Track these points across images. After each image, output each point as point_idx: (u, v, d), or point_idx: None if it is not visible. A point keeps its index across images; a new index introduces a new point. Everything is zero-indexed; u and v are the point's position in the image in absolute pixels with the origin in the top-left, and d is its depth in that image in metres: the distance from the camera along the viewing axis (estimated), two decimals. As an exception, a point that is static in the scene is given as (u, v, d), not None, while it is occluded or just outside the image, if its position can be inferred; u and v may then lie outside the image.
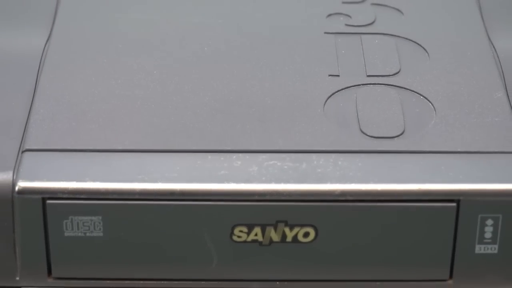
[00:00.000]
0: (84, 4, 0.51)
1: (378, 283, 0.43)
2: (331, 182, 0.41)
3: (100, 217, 0.41)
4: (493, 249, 0.42)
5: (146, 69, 0.46)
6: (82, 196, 0.41)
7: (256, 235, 0.41)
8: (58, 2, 0.51)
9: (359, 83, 0.46)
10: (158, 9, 0.50)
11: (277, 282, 0.43)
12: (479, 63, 0.47)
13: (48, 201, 0.41)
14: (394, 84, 0.46)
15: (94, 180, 0.41)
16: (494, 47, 0.48)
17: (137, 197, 0.41)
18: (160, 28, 0.49)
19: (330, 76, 0.46)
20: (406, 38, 0.49)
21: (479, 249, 0.42)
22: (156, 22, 0.49)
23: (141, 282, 0.42)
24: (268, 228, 0.41)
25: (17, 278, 0.42)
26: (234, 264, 0.42)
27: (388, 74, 0.46)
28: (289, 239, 0.41)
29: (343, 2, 0.51)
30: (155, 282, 0.42)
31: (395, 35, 0.49)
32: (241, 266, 0.42)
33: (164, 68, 0.46)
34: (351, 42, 0.48)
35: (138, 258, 0.42)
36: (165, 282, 0.42)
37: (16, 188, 0.41)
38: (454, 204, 0.41)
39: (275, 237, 0.41)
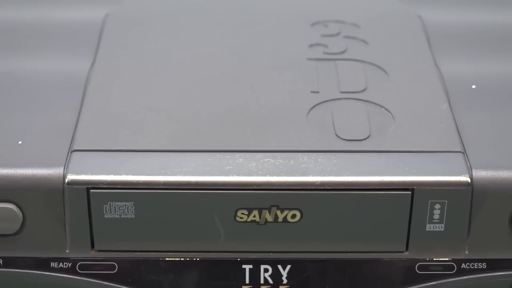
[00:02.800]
0: (121, 36, 0.50)
1: (350, 253, 0.42)
2: (313, 175, 0.40)
3: (132, 203, 0.40)
4: (440, 227, 0.41)
5: (168, 87, 0.46)
6: (118, 187, 0.40)
7: (254, 216, 0.41)
8: (100, 35, 0.50)
9: (335, 98, 0.45)
10: (178, 40, 0.50)
11: (271, 253, 0.42)
12: (427, 82, 0.46)
13: (91, 190, 0.40)
14: (362, 98, 0.45)
15: (127, 174, 0.40)
16: (439, 69, 0.48)
17: (161, 187, 0.40)
18: (180, 55, 0.48)
19: (311, 92, 0.45)
20: (371, 63, 0.48)
21: (429, 227, 0.41)
22: (177, 50, 0.49)
23: (164, 253, 0.42)
24: (264, 211, 0.40)
25: (67, 251, 0.41)
26: (237, 239, 0.41)
27: (357, 91, 0.45)
28: (280, 219, 0.41)
29: (322, 35, 0.50)
30: (174, 253, 0.42)
31: (362, 61, 0.48)
32: (243, 240, 0.41)
33: (182, 86, 0.46)
34: (328, 66, 0.47)
35: (161, 235, 0.41)
36: (182, 253, 0.42)
37: (66, 180, 0.40)
38: (409, 192, 0.40)
39: (269, 218, 0.41)
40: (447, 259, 0.42)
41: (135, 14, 0.52)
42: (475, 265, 0.42)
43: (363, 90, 0.45)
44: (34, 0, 0.54)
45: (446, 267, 0.42)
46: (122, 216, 0.41)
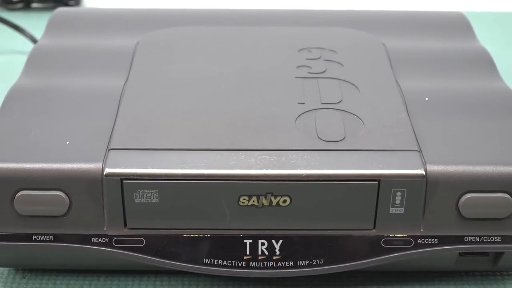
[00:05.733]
0: (149, 59, 0.49)
1: (329, 231, 0.41)
2: (300, 168, 0.39)
3: (157, 191, 0.39)
4: (401, 210, 0.40)
5: (186, 99, 0.44)
6: (145, 178, 0.39)
7: (253, 201, 0.40)
8: (132, 58, 0.49)
9: (317, 108, 0.44)
10: (194, 62, 0.48)
11: (266, 231, 0.41)
12: (390, 95, 0.45)
13: (124, 181, 0.39)
14: (338, 108, 0.44)
15: (153, 167, 0.39)
16: (399, 85, 0.47)
17: (180, 178, 0.39)
18: (195, 74, 0.47)
19: (298, 103, 0.44)
20: (345, 80, 0.47)
21: (392, 210, 0.40)
22: (193, 70, 0.47)
23: (182, 230, 0.41)
24: (261, 197, 0.40)
25: (105, 229, 0.40)
26: (240, 219, 0.40)
27: (334, 102, 0.44)
28: (274, 204, 0.40)
29: (306, 59, 0.49)
30: (190, 230, 0.41)
31: (338, 79, 0.47)
32: (244, 220, 0.40)
33: (197, 98, 0.45)
34: (311, 83, 0.46)
35: (180, 216, 0.40)
36: (196, 230, 0.41)
37: (104, 173, 0.39)
38: (376, 183, 0.39)
39: (265, 202, 0.40)
40: (406, 235, 0.40)
41: (160, 42, 0.51)
42: (429, 240, 0.40)
43: (339, 102, 0.44)
44: (80, 33, 0.53)
45: (406, 242, 0.40)
46: (149, 201, 0.40)
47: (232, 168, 0.39)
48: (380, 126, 0.42)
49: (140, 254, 0.40)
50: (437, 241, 0.40)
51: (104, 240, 0.40)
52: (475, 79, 0.48)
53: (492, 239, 0.41)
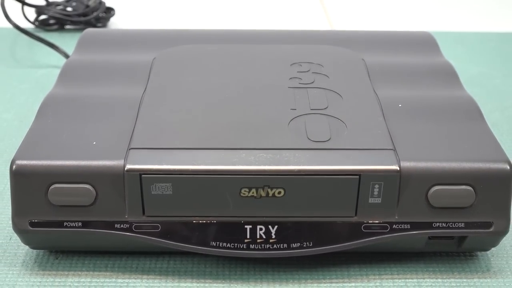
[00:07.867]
0: (164, 72, 0.48)
1: (317, 218, 0.40)
2: (293, 165, 0.39)
3: (170, 184, 0.39)
4: (378, 200, 0.39)
5: (196, 105, 0.44)
6: (161, 173, 0.38)
7: (253, 193, 0.39)
8: (150, 71, 0.48)
9: (307, 113, 0.43)
10: (203, 75, 0.47)
11: (264, 218, 0.40)
12: (368, 102, 0.44)
13: (143, 176, 0.39)
14: (325, 113, 0.43)
15: (167, 164, 0.39)
16: (376, 93, 0.46)
17: (190, 173, 0.38)
18: (204, 85, 0.46)
19: (291, 109, 0.43)
20: (330, 90, 0.46)
21: (371, 200, 0.39)
22: (202, 81, 0.47)
23: (192, 217, 0.40)
24: (259, 189, 0.39)
25: (126, 216, 0.40)
26: (241, 208, 0.40)
27: (321, 108, 0.44)
28: (270, 195, 0.39)
29: (298, 72, 0.48)
30: (199, 217, 0.40)
31: (324, 88, 0.46)
32: (245, 209, 0.40)
33: (205, 105, 0.44)
34: (302, 92, 0.45)
35: (190, 205, 0.39)
36: (204, 217, 0.40)
37: (125, 169, 0.38)
38: (357, 177, 0.39)
39: (263, 194, 0.39)
40: (383, 222, 0.40)
41: (174, 58, 0.50)
42: (402, 226, 0.40)
43: (326, 108, 0.44)
44: (105, 50, 0.52)
45: (382, 227, 0.40)
46: (164, 193, 0.39)
47: (235, 165, 0.39)
48: (360, 128, 0.41)
49: (156, 238, 0.40)
50: (409, 227, 0.40)
51: (125, 226, 0.40)
52: (441, 89, 0.47)
53: (457, 225, 0.40)
